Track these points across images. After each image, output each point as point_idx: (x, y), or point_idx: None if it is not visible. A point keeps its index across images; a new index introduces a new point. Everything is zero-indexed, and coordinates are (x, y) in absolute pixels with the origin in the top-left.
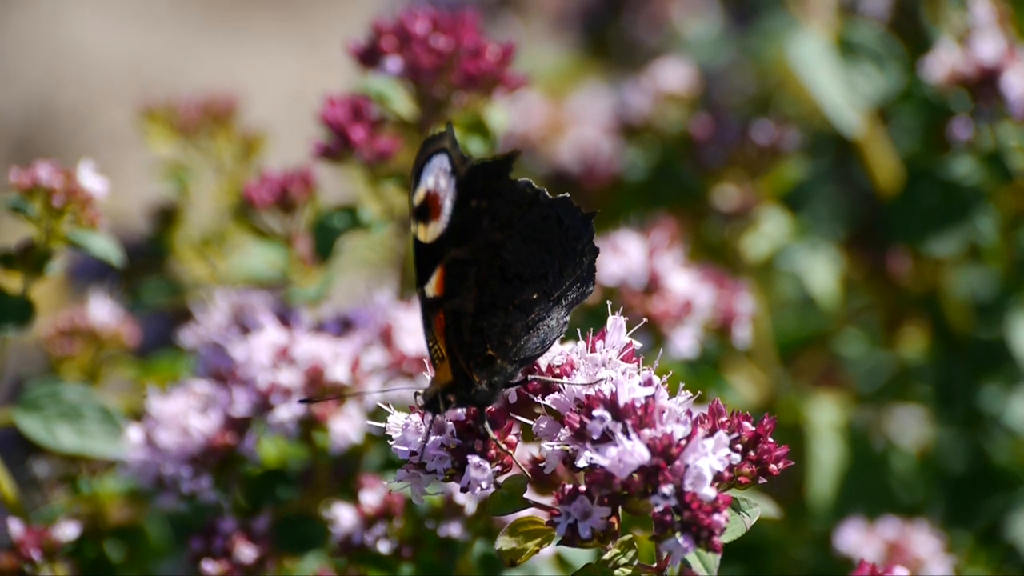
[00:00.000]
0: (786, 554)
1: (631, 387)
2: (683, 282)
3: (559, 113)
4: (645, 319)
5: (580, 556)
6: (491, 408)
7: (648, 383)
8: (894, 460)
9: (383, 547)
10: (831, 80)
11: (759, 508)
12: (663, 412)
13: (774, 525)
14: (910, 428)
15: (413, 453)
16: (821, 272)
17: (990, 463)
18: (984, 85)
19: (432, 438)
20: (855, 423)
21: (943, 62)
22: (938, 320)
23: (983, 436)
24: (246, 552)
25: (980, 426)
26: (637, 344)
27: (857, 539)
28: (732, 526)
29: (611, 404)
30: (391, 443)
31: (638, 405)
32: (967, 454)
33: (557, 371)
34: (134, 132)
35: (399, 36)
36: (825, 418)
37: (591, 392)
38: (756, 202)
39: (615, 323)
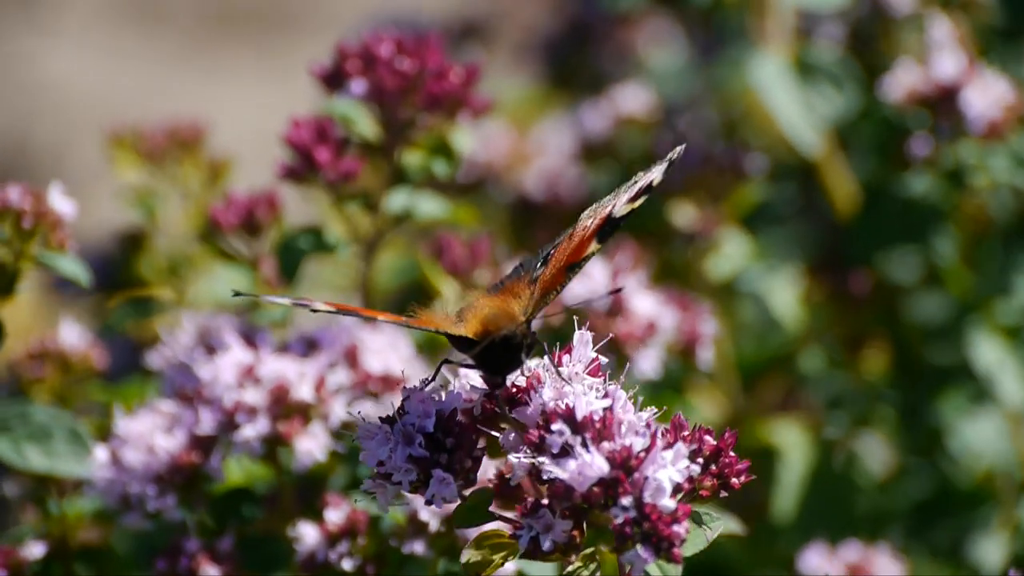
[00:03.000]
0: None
1: (588, 400)
2: (647, 304)
3: (523, 142)
4: (609, 339)
5: (544, 572)
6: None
7: (606, 396)
8: (857, 481)
9: (347, 565)
10: (790, 101)
11: (721, 522)
12: (622, 424)
13: (738, 547)
14: (873, 449)
15: (381, 463)
16: (782, 294)
17: (951, 485)
18: (943, 103)
19: (400, 449)
20: (818, 444)
21: (902, 81)
22: (898, 341)
23: (943, 458)
24: (211, 572)
25: (940, 448)
26: (603, 359)
27: (819, 562)
28: (694, 539)
29: (569, 417)
30: (361, 454)
31: (596, 418)
32: (929, 476)
33: (524, 385)
34: (108, 166)
35: (364, 59)
36: (788, 439)
37: (552, 406)
38: (718, 224)
39: (581, 338)
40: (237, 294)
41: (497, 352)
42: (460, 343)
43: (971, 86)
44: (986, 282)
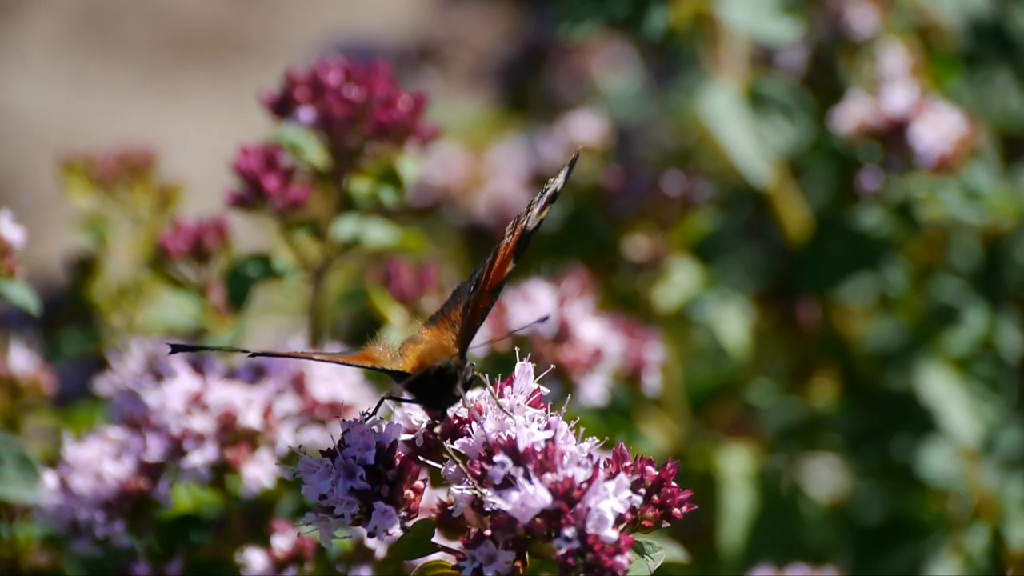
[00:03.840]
0: None
1: (530, 432)
2: (593, 330)
3: (479, 166)
4: (554, 366)
5: None
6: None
7: (547, 427)
8: (804, 508)
9: None
10: (740, 132)
11: (663, 551)
12: (563, 455)
13: (684, 574)
14: (822, 477)
15: (323, 496)
16: (732, 322)
17: (902, 512)
18: (893, 136)
19: (341, 482)
20: (765, 471)
21: (852, 114)
22: (848, 370)
23: (894, 486)
24: None
25: (891, 476)
26: (545, 390)
27: None
28: (636, 569)
29: (511, 449)
30: (303, 488)
31: (538, 449)
32: (879, 503)
33: (465, 416)
34: (64, 195)
35: (312, 86)
36: (735, 466)
37: (494, 438)
38: (667, 253)
39: (523, 369)
40: (176, 349)
41: (433, 385)
42: (398, 378)
43: (921, 119)
44: (937, 313)
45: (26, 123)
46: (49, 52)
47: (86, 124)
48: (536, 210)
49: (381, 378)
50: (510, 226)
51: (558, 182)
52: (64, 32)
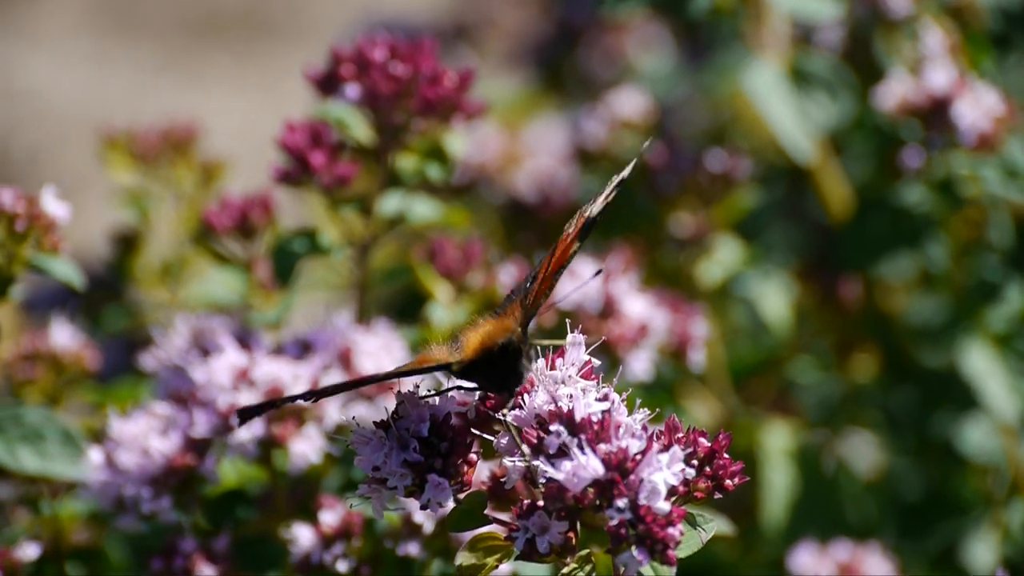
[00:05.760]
0: None
1: (587, 402)
2: (638, 306)
3: (515, 144)
4: (601, 341)
5: (539, 574)
6: (457, 419)
7: (604, 398)
8: (845, 484)
9: (342, 566)
10: (784, 109)
11: (715, 524)
12: (619, 427)
13: (728, 549)
14: (862, 453)
15: (376, 468)
16: (774, 299)
17: (942, 488)
18: (935, 114)
19: (395, 454)
20: (807, 448)
21: (894, 91)
22: (889, 347)
23: (934, 462)
24: (206, 572)
25: (931, 452)
26: (596, 361)
27: (810, 561)
28: (688, 541)
29: (568, 419)
30: (356, 459)
31: (594, 420)
32: (920, 479)
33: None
34: (91, 172)
35: (358, 63)
36: (777, 443)
37: (550, 408)
38: (710, 230)
39: (574, 340)
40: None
41: (498, 364)
42: (463, 371)
43: (962, 98)
44: (977, 290)
45: (48, 105)
46: (70, 34)
47: (108, 105)
48: (601, 199)
49: None
50: (570, 221)
51: (625, 173)
52: (85, 14)
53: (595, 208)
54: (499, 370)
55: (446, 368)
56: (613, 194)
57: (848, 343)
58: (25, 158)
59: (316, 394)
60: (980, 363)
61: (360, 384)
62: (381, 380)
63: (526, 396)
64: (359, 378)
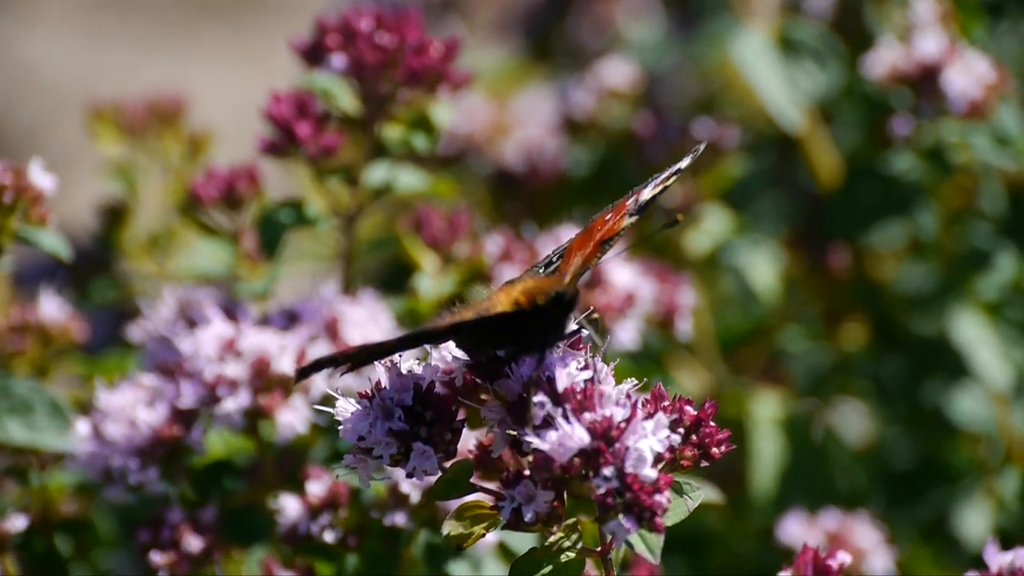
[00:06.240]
0: (729, 547)
1: (569, 371)
2: (625, 276)
3: (503, 114)
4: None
5: (525, 546)
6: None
7: (586, 367)
8: (835, 454)
9: (329, 537)
10: (772, 77)
11: (702, 492)
12: (603, 396)
13: (717, 518)
14: (852, 422)
15: (361, 438)
16: (762, 268)
17: (933, 457)
18: (925, 82)
19: (379, 424)
20: (796, 417)
21: (884, 59)
22: (878, 315)
23: (924, 430)
24: (193, 543)
25: (921, 421)
26: (584, 331)
27: (799, 530)
28: (675, 509)
29: (550, 389)
30: (340, 428)
31: (578, 389)
32: (910, 448)
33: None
34: (85, 146)
35: (344, 33)
36: (766, 412)
37: (533, 378)
38: (698, 199)
39: None
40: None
41: (547, 316)
42: (501, 322)
43: (952, 65)
44: (968, 258)
45: (43, 79)
46: (67, 10)
47: (105, 80)
48: (656, 182)
49: (415, 323)
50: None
51: (682, 164)
52: None
53: (646, 192)
54: (547, 322)
55: (484, 320)
56: (670, 180)
57: (837, 312)
58: (22, 133)
59: (386, 347)
60: (971, 331)
61: (422, 340)
62: (440, 333)
63: (513, 365)
64: (418, 331)
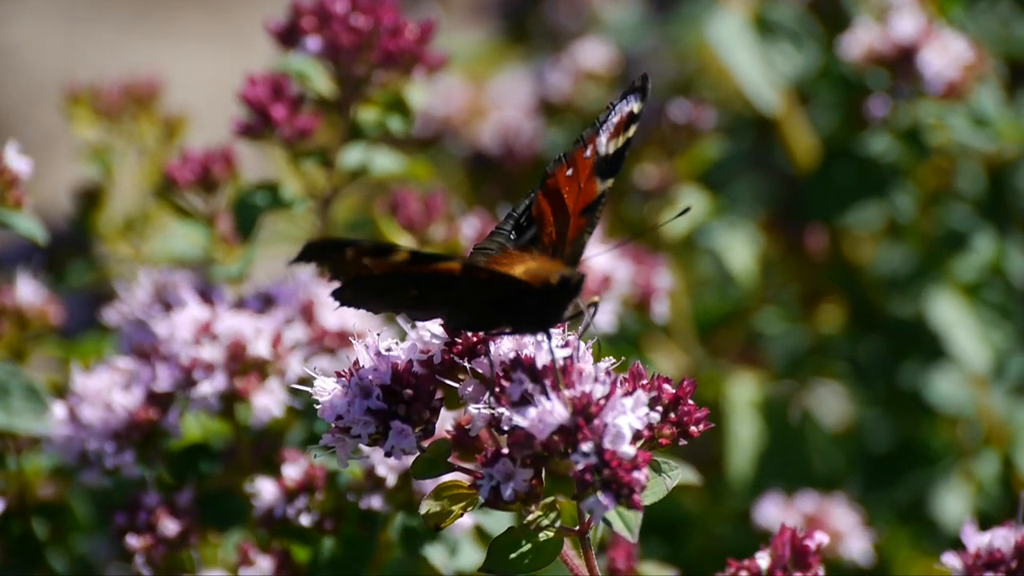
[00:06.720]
0: (706, 530)
1: (549, 348)
2: (602, 258)
3: (480, 97)
4: None
5: (502, 529)
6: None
7: (566, 345)
8: (812, 436)
9: (305, 520)
10: (749, 59)
11: (680, 471)
12: (581, 373)
13: (694, 501)
14: (830, 404)
15: (339, 417)
16: (739, 250)
17: (911, 439)
18: (901, 63)
19: (357, 402)
20: (773, 399)
21: (861, 40)
22: (856, 297)
23: (902, 413)
24: (170, 526)
25: (899, 403)
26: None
27: (776, 513)
28: (653, 488)
29: (529, 366)
30: (317, 407)
31: (556, 367)
32: (888, 430)
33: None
34: (65, 130)
35: (319, 16)
36: (743, 394)
37: (511, 356)
38: (674, 181)
39: None
40: None
41: (553, 298)
42: (511, 291)
43: (929, 46)
44: (945, 239)
45: (22, 63)
46: None
47: (84, 62)
48: (608, 128)
49: None
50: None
51: (633, 107)
52: None
53: (602, 147)
54: (551, 304)
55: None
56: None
57: (815, 294)
58: (1, 116)
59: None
60: (948, 313)
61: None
62: (450, 271)
63: (491, 343)
64: (433, 254)
